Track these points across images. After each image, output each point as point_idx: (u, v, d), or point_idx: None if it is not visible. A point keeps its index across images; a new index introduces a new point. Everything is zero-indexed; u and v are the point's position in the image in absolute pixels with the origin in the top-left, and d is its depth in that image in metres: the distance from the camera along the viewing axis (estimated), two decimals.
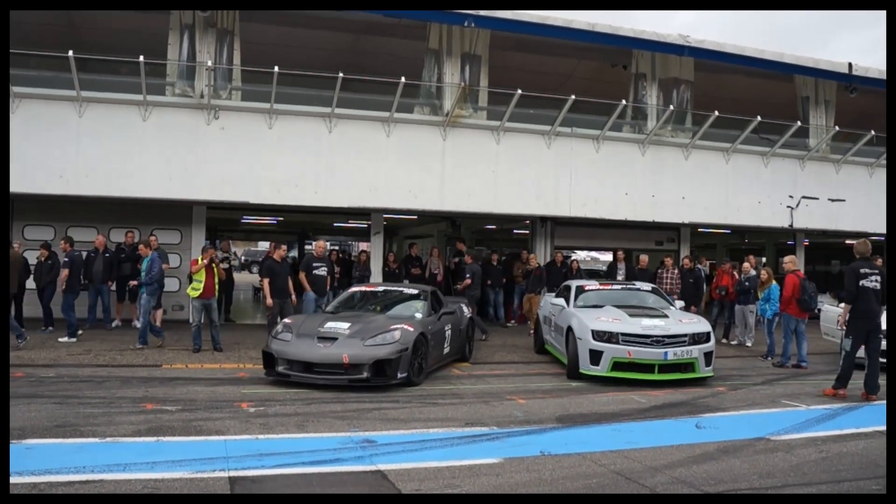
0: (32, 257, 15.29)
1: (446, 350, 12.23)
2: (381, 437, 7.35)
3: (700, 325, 11.78)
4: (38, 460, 6.31)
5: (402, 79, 15.90)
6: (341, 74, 15.48)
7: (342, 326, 10.81)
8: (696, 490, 5.92)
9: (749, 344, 16.21)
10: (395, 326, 10.68)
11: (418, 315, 11.74)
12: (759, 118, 18.39)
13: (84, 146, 15.33)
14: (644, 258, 17.88)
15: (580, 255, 29.69)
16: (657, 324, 11.47)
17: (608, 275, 18.76)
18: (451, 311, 12.76)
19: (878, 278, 10.40)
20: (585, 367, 11.32)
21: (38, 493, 5.50)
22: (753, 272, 16.11)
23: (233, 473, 6.05)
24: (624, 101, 17.81)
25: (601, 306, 12.59)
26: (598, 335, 11.27)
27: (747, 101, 19.63)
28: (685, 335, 11.31)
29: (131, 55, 14.73)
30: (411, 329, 10.69)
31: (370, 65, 17.73)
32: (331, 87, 15.79)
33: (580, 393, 10.43)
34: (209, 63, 15.65)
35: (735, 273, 16.82)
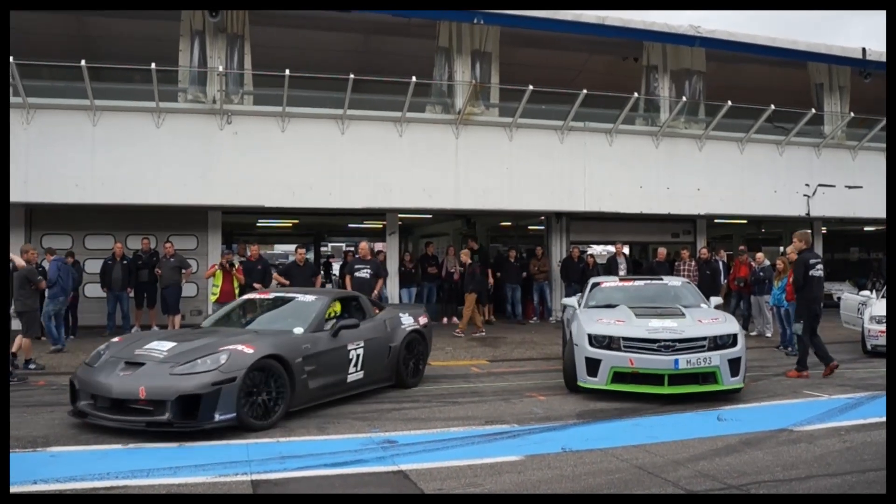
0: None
1: (353, 376, 9.28)
2: (402, 438, 7.34)
3: (725, 325, 9.82)
4: (62, 468, 6.34)
5: (413, 78, 15.92)
6: (352, 76, 15.51)
7: (162, 347, 8.10)
8: (720, 483, 5.89)
9: (769, 334, 16.13)
10: (225, 348, 7.84)
11: (297, 329, 8.84)
12: (772, 107, 18.27)
13: (99, 155, 15.43)
14: (662, 251, 17.77)
15: (596, 249, 29.57)
16: (669, 325, 9.60)
17: (608, 271, 18.06)
18: (367, 325, 9.82)
19: (822, 267, 11.76)
20: (583, 378, 9.58)
21: (40, 493, 5.53)
22: (767, 262, 16.03)
23: (255, 477, 6.07)
24: (636, 94, 17.77)
25: (615, 305, 10.80)
26: (596, 340, 9.50)
27: (761, 90, 19.53)
28: (703, 338, 9.39)
29: (143, 62, 14.81)
30: (249, 351, 7.80)
31: (381, 65, 17.75)
32: (342, 89, 15.83)
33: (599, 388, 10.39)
34: (220, 68, 15.72)
35: (752, 263, 16.75)
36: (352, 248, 21.73)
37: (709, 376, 9.34)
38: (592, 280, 12.54)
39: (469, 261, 16.71)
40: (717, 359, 9.29)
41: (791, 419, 8.11)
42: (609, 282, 12.27)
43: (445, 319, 17.88)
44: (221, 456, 6.70)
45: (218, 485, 5.91)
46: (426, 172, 16.90)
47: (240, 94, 16.27)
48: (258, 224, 23.35)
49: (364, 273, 13.83)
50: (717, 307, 11.17)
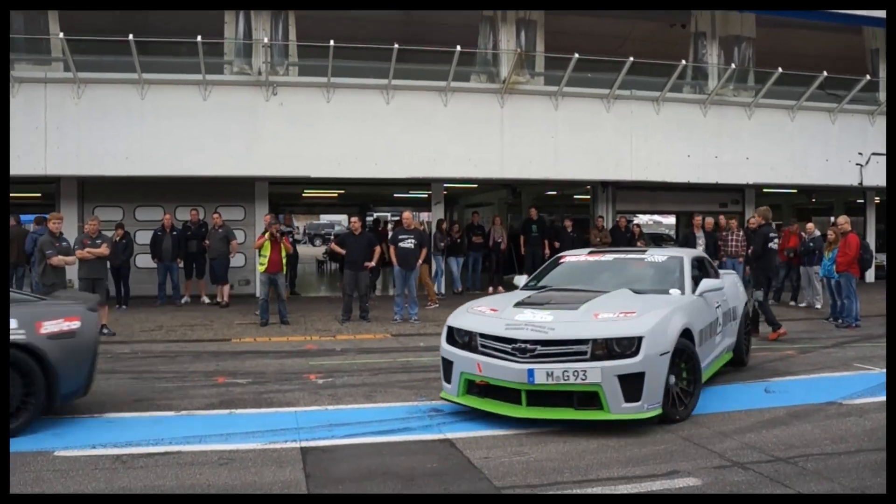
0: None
1: None
2: (448, 406, 7.40)
3: (631, 322, 6.72)
4: (118, 433, 6.54)
5: (458, 47, 15.82)
6: (396, 46, 15.46)
7: None
8: (767, 455, 5.85)
9: (818, 306, 15.90)
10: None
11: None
12: (825, 73, 17.84)
13: (147, 127, 15.63)
14: (709, 220, 17.45)
15: (642, 218, 29.30)
16: (540, 319, 6.91)
17: (684, 246, 16.58)
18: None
19: (778, 240, 13.11)
20: (443, 384, 7.41)
21: (99, 456, 5.71)
22: (818, 233, 15.76)
23: (304, 444, 6.18)
24: (683, 62, 17.47)
25: (564, 289, 8.31)
26: (458, 336, 7.24)
27: (812, 57, 19.05)
28: (582, 342, 6.53)
29: (189, 35, 14.95)
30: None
31: (425, 34, 17.67)
32: (387, 59, 15.80)
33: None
34: (265, 40, 15.79)
35: (802, 233, 16.47)
36: (396, 218, 21.71)
37: (590, 398, 6.51)
38: (558, 255, 9.87)
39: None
40: (597, 373, 6.39)
41: (840, 392, 8.01)
42: (573, 256, 9.58)
43: (491, 289, 17.88)
44: (271, 423, 6.84)
45: (268, 451, 6.04)
46: (471, 142, 16.83)
47: (285, 66, 16.34)
48: (304, 194, 23.51)
49: (408, 243, 13.88)
50: (705, 290, 8.13)
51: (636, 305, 7.18)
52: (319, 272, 28.11)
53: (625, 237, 17.92)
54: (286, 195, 22.36)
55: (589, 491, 5.14)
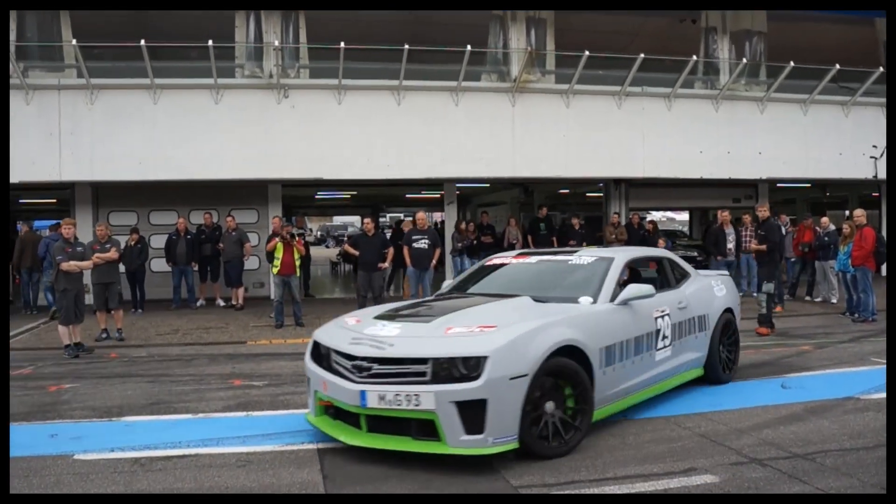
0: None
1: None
2: None
3: (478, 339, 5.69)
4: (137, 436, 6.58)
5: (468, 47, 15.84)
6: (407, 46, 15.50)
7: None
8: (785, 452, 5.82)
9: (834, 300, 15.81)
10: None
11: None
12: (837, 66, 17.75)
13: (160, 132, 15.72)
14: (725, 215, 17.26)
15: (655, 215, 29.20)
16: (387, 333, 6.09)
17: (715, 246, 16.56)
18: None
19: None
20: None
21: (118, 459, 5.75)
22: (832, 227, 15.67)
23: (321, 445, 6.19)
24: (694, 57, 17.42)
25: (461, 296, 7.61)
26: (323, 349, 6.43)
27: (825, 50, 18.95)
28: (421, 360, 5.61)
29: (200, 39, 15.00)
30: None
31: (434, 34, 17.67)
32: (397, 60, 15.85)
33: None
34: (276, 43, 15.86)
35: (816, 228, 16.37)
36: (409, 218, 21.70)
37: (429, 427, 5.55)
38: (487, 258, 8.95)
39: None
40: (430, 398, 5.46)
41: (858, 387, 7.95)
42: (499, 259, 8.61)
43: None
44: (288, 425, 6.85)
45: (285, 453, 6.06)
46: (483, 141, 16.85)
47: (296, 68, 16.40)
48: (317, 196, 23.57)
49: (422, 244, 13.91)
50: (628, 298, 6.95)
51: (507, 317, 6.17)
52: (333, 274, 28.18)
53: (638, 234, 17.87)
54: (299, 197, 22.43)
55: (606, 489, 5.14)
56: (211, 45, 14.97)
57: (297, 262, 13.95)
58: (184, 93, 15.98)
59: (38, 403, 7.99)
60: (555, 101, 17.24)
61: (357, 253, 14.04)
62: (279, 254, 13.56)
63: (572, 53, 16.68)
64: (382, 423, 5.75)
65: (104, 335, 12.34)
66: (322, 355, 6.37)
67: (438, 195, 20.10)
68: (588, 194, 23.53)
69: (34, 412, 7.58)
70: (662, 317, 7.36)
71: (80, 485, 5.36)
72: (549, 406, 5.83)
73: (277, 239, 13.67)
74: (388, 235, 17.08)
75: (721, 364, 8.35)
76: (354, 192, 23.16)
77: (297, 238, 14.20)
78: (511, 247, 18.04)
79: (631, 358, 6.82)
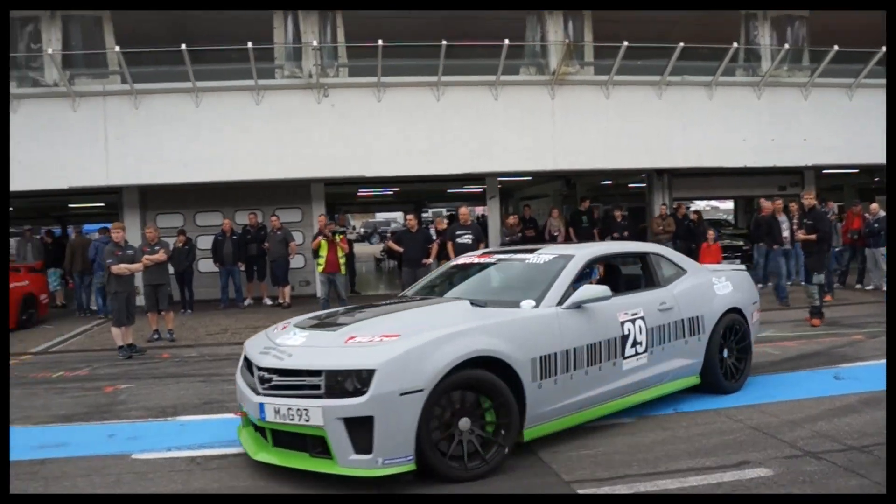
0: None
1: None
2: None
3: (369, 351, 5.25)
4: (192, 435, 6.69)
5: (506, 41, 15.81)
6: (445, 42, 15.52)
7: None
8: (840, 444, 5.75)
9: (885, 288, 15.53)
10: None
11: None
12: (883, 49, 17.40)
13: (203, 134, 15.96)
14: (768, 204, 17.05)
15: (699, 204, 28.88)
16: (293, 342, 5.80)
17: (769, 235, 15.79)
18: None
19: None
20: None
21: (173, 458, 5.88)
22: (882, 213, 15.38)
23: None
24: (735, 44, 17.19)
25: (405, 300, 7.36)
26: (247, 360, 6.06)
27: (870, 32, 18.58)
28: (315, 373, 5.23)
29: (239, 42, 15.16)
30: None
31: (473, 29, 17.67)
32: (435, 56, 15.87)
33: None
34: (314, 43, 15.99)
35: (866, 214, 16.10)
36: (443, 215, 21.74)
37: (321, 443, 5.18)
38: (457, 258, 8.64)
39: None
40: (318, 413, 5.09)
41: None
42: (466, 258, 8.11)
43: None
44: None
45: None
46: (523, 134, 16.82)
47: (335, 68, 16.54)
48: (358, 194, 23.71)
49: (466, 239, 13.87)
50: (580, 301, 6.25)
51: (420, 325, 5.73)
52: (378, 270, 28.35)
53: (683, 224, 17.72)
54: (341, 195, 22.58)
55: (659, 483, 5.12)
56: (250, 46, 15.14)
57: (342, 260, 14.04)
58: (225, 95, 16.18)
59: (96, 404, 8.17)
60: (594, 93, 17.15)
61: (401, 249, 14.11)
62: (323, 252, 13.68)
63: (611, 44, 16.58)
64: (285, 437, 5.42)
65: (156, 336, 12.57)
66: (248, 365, 5.98)
67: (480, 189, 20.11)
68: (630, 185, 23.36)
69: (92, 413, 7.76)
70: (633, 320, 6.62)
71: (139, 484, 5.48)
72: (464, 423, 5.32)
73: (321, 237, 13.79)
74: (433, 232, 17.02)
75: (724, 371, 7.49)
76: (397, 189, 23.25)
77: (340, 236, 14.29)
78: (553, 239, 17.94)
79: (583, 368, 6.12)
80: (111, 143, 15.95)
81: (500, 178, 19.07)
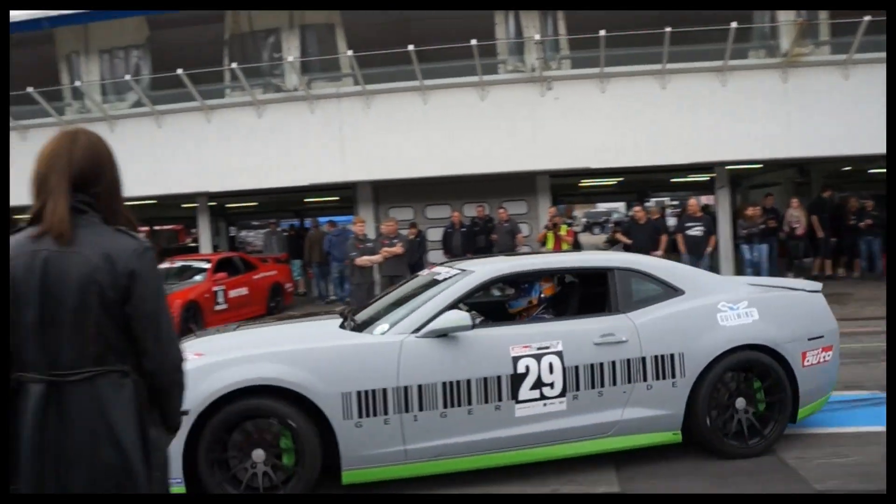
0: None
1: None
2: None
3: None
4: None
5: (734, 24, 15.25)
6: (669, 29, 15.21)
7: None
8: None
9: None
10: None
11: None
12: None
13: (430, 132, 16.62)
14: None
15: None
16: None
17: None
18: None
19: None
20: None
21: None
22: None
23: None
24: None
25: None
26: None
27: None
28: None
29: (461, 40, 15.56)
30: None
31: (698, 14, 17.18)
32: (659, 43, 15.59)
33: None
34: (536, 37, 16.20)
35: None
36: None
37: None
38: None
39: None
40: None
41: None
42: (426, 268, 7.73)
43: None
44: None
45: None
46: (752, 121, 16.07)
47: (557, 60, 16.69)
48: (580, 185, 23.71)
49: (696, 231, 13.53)
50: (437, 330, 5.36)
51: (236, 345, 5.75)
52: None
53: None
54: (565, 186, 22.64)
55: None
56: (474, 43, 15.54)
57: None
58: (451, 92, 16.77)
59: None
60: (831, 74, 16.13)
61: (630, 241, 14.04)
62: (549, 244, 13.89)
63: (849, 20, 15.52)
64: None
65: None
66: None
67: (707, 178, 19.51)
68: (870, 171, 21.72)
69: None
70: (538, 356, 5.43)
71: None
72: (258, 454, 5.10)
73: (545, 230, 13.97)
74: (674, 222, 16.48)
75: (722, 429, 5.75)
76: (620, 179, 23.04)
77: (567, 228, 14.36)
78: (791, 231, 16.96)
79: (437, 410, 5.27)
80: (346, 142, 17.02)
81: (727, 167, 18.41)
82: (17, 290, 2.41)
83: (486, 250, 16.68)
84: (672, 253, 14.16)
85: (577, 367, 5.46)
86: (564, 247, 14.03)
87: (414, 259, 16.31)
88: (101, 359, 2.43)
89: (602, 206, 45.57)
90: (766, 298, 6.21)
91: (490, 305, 6.87)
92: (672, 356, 5.64)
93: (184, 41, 18.42)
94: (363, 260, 11.95)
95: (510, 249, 16.10)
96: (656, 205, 21.80)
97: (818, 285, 6.71)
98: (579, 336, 5.56)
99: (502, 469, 5.52)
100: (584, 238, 32.78)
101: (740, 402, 5.78)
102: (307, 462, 5.09)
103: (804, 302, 6.40)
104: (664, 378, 5.62)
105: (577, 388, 5.47)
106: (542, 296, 6.38)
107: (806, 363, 5.95)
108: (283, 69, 17.94)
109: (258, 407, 5.09)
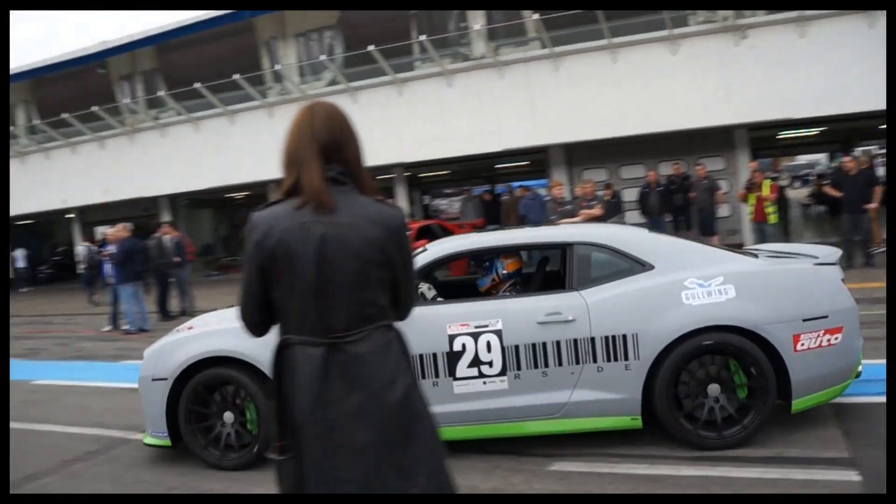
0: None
1: None
2: None
3: (156, 340, 6.44)
4: None
5: None
6: None
7: None
8: None
9: None
10: None
11: None
12: None
13: (621, 89, 16.52)
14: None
15: None
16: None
17: None
18: None
19: None
20: None
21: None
22: None
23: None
24: None
25: None
26: None
27: None
28: None
29: None
30: None
31: None
32: None
33: None
34: None
35: None
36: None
37: None
38: None
39: None
40: None
41: None
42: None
43: None
44: None
45: None
46: None
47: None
48: (779, 136, 22.63)
49: None
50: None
51: (221, 322, 6.13)
52: (804, 217, 26.96)
53: None
54: (763, 139, 21.66)
55: None
56: None
57: (769, 209, 13.59)
58: (640, 48, 16.56)
59: None
60: None
61: (839, 194, 13.35)
62: (752, 201, 13.48)
63: None
64: None
65: None
66: None
67: None
68: None
69: None
70: (476, 335, 5.29)
71: None
72: (228, 416, 5.77)
73: (745, 189, 13.56)
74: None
75: (702, 418, 5.27)
76: (823, 128, 21.77)
77: (770, 183, 13.84)
78: None
79: None
80: (536, 105, 17.15)
81: None
82: (291, 260, 2.54)
83: (684, 209, 16.34)
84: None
85: (517, 347, 5.29)
86: (766, 204, 13.49)
87: (610, 220, 16.27)
88: (373, 317, 2.64)
89: (802, 159, 43.15)
90: (748, 274, 5.44)
91: (464, 284, 6.88)
92: (625, 337, 5.23)
93: (372, 18, 19.15)
94: (563, 223, 12.09)
95: (709, 207, 15.68)
96: (863, 153, 20.22)
97: (835, 255, 5.75)
98: (521, 315, 5.36)
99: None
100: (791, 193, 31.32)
101: (713, 389, 5.24)
102: (261, 431, 5.65)
103: (802, 277, 5.51)
104: (615, 360, 5.24)
105: (518, 368, 5.30)
106: (504, 272, 6.26)
107: (799, 347, 5.18)
108: (469, 38, 18.26)
109: (220, 375, 5.69)
